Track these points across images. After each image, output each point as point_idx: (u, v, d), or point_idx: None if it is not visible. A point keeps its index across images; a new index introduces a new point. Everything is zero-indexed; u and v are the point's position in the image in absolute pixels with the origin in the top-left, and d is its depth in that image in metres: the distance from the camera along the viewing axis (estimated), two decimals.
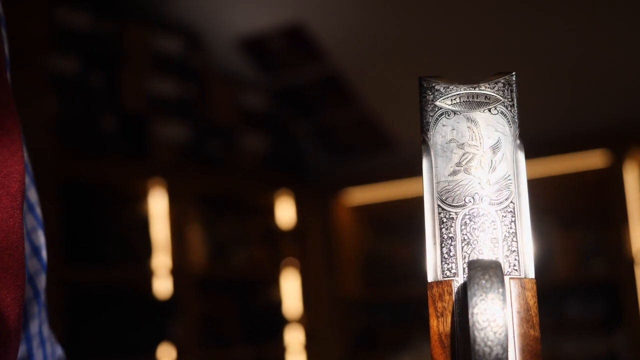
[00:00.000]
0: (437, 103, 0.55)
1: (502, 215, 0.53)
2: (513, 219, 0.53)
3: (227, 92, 3.61)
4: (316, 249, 3.89)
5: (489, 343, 0.45)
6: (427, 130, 0.55)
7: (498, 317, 0.45)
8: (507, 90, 0.55)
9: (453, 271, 0.52)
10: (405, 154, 3.69)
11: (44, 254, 0.72)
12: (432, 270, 0.53)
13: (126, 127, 3.15)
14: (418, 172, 0.55)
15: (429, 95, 0.55)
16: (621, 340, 3.34)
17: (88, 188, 3.07)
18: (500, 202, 0.54)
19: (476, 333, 0.45)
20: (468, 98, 0.55)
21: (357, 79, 3.65)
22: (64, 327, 2.72)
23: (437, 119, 0.55)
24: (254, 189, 3.77)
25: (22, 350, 0.69)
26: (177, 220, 3.23)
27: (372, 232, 4.02)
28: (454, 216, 0.53)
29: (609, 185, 3.30)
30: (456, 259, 0.53)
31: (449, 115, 0.55)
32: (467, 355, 0.50)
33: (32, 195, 0.70)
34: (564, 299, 3.47)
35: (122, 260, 3.12)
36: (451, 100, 0.55)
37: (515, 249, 0.53)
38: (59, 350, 0.78)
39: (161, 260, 3.18)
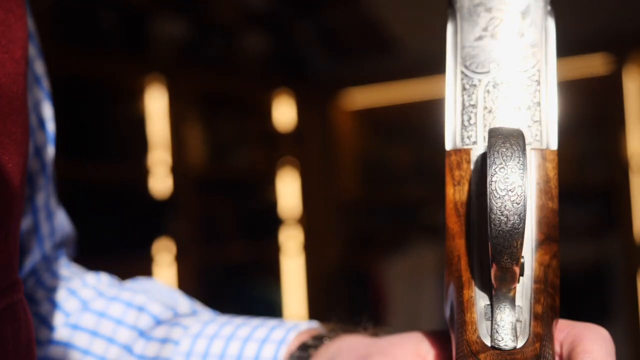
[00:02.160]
0: None
1: (527, 84, 0.51)
2: (538, 88, 0.51)
3: None
4: (315, 151, 3.89)
5: (506, 212, 0.44)
6: None
7: (517, 186, 0.44)
8: None
9: (473, 139, 0.51)
10: (407, 56, 3.64)
11: (50, 126, 0.71)
12: (451, 137, 0.51)
13: (125, 22, 3.11)
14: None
15: None
16: (614, 245, 3.37)
17: (85, 84, 3.04)
18: (526, 70, 0.52)
19: (494, 201, 0.44)
20: None
21: None
22: None
23: None
24: (254, 89, 3.74)
25: (28, 221, 0.68)
26: (176, 118, 3.22)
27: (372, 134, 4.01)
28: (477, 83, 0.51)
29: (608, 90, 3.28)
30: (477, 126, 0.51)
31: None
32: (482, 225, 0.49)
33: (39, 67, 0.69)
34: (560, 204, 3.47)
35: (119, 157, 3.12)
36: None
37: (539, 119, 0.51)
38: (68, 227, 0.77)
39: (159, 158, 3.18)
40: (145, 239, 3.14)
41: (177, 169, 3.19)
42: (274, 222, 3.74)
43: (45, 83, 0.71)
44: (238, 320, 0.68)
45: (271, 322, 0.66)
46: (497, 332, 0.47)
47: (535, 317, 0.48)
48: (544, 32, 0.53)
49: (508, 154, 0.44)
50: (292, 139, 3.81)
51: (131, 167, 3.18)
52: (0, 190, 0.50)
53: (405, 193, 3.78)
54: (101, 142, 3.07)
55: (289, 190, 3.78)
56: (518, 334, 0.47)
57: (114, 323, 0.70)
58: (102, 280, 0.75)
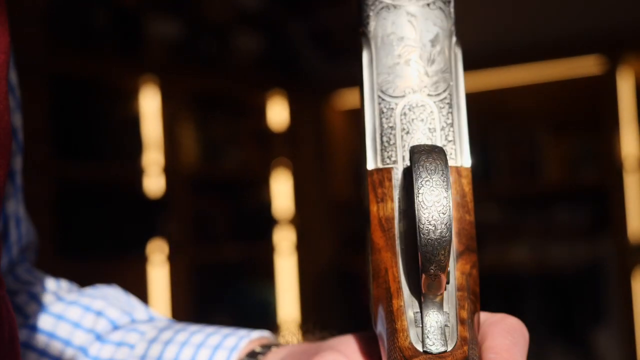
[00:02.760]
0: None
1: (440, 107, 0.54)
2: (450, 110, 0.54)
3: None
4: (308, 151, 3.90)
5: (433, 222, 0.47)
6: (368, 23, 0.55)
7: (442, 197, 0.47)
8: None
9: (393, 159, 0.54)
10: None
11: (20, 135, 0.72)
12: (372, 158, 0.54)
13: (119, 23, 3.12)
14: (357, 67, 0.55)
15: None
16: (608, 245, 3.37)
17: (79, 84, 3.05)
18: (439, 94, 0.55)
19: (422, 212, 0.47)
20: None
21: None
22: (54, 222, 2.74)
23: (378, 12, 0.55)
24: (247, 90, 3.75)
25: None
26: (169, 119, 3.22)
27: None
28: (394, 106, 0.54)
29: (601, 91, 3.28)
30: (396, 147, 0.54)
31: (389, 9, 0.55)
32: (408, 237, 0.52)
33: (13, 76, 0.70)
34: (553, 205, 3.49)
35: (113, 157, 3.13)
36: None
37: (452, 139, 0.54)
38: (32, 233, 0.79)
39: (153, 158, 3.18)
40: (139, 239, 3.15)
41: (170, 169, 3.20)
42: (267, 222, 3.74)
43: (17, 92, 0.72)
44: (193, 327, 0.70)
45: (225, 330, 0.68)
46: (427, 337, 0.49)
47: (462, 321, 0.51)
48: (454, 59, 0.55)
49: (432, 167, 0.47)
50: (285, 139, 3.81)
51: (125, 167, 3.19)
52: None
53: None
54: (95, 141, 3.07)
55: (282, 191, 3.78)
56: (447, 338, 0.49)
57: (71, 326, 0.72)
58: (62, 286, 0.77)
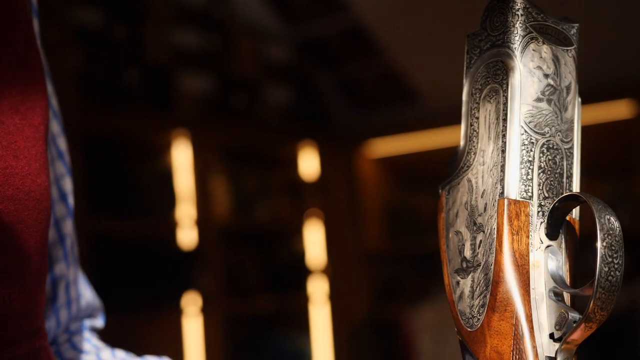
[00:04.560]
0: (530, 25, 0.55)
1: (567, 155, 0.55)
2: (571, 161, 0.55)
3: (250, 44, 3.60)
4: (340, 201, 3.90)
5: (619, 258, 0.49)
6: (516, 48, 0.54)
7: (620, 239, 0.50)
8: (576, 38, 0.56)
9: (529, 194, 0.53)
10: (428, 105, 3.66)
11: (70, 200, 0.74)
12: (514, 187, 0.53)
13: (150, 80, 3.16)
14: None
15: (520, 14, 0.55)
16: None
17: (112, 142, 3.10)
18: (567, 142, 0.55)
19: (608, 241, 0.49)
20: (554, 34, 0.55)
21: (381, 30, 3.60)
22: (90, 277, 2.75)
23: (529, 41, 0.54)
24: (278, 141, 3.77)
25: (46, 290, 0.71)
26: (201, 172, 3.24)
27: (395, 184, 4.01)
28: (534, 141, 0.54)
29: (633, 135, 3.27)
30: (532, 182, 0.53)
31: (538, 42, 0.54)
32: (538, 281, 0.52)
33: (62, 143, 0.73)
34: (584, 251, 3.45)
35: (147, 212, 3.14)
36: (540, 27, 0.55)
37: (570, 190, 0.55)
38: (92, 299, 0.79)
39: (185, 212, 3.20)
40: (174, 292, 3.15)
41: (203, 222, 3.21)
42: (300, 273, 3.74)
43: (67, 159, 0.74)
44: None
45: None
46: None
47: None
48: (577, 113, 0.57)
49: (603, 205, 0.51)
50: (317, 189, 3.82)
51: (158, 221, 3.21)
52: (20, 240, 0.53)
53: (430, 241, 3.76)
54: (129, 197, 3.10)
55: (314, 241, 3.78)
56: None
57: None
58: (116, 355, 0.78)
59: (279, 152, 3.82)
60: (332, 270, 3.79)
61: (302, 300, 3.73)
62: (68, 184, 0.73)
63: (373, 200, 3.99)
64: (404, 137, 3.79)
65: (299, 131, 3.80)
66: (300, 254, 3.76)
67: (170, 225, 3.20)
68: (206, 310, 3.18)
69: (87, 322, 0.79)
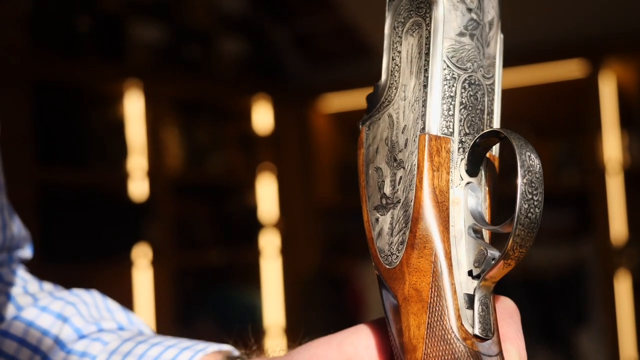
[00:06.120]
0: None
1: (488, 92, 0.54)
2: (492, 97, 0.54)
3: None
4: (293, 155, 3.89)
5: (539, 195, 0.49)
6: None
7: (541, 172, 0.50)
8: None
9: (450, 130, 0.52)
10: (382, 61, 3.62)
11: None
12: (435, 123, 0.52)
13: (102, 28, 3.12)
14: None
15: None
16: (590, 248, 3.39)
17: (63, 89, 3.04)
18: (489, 78, 0.54)
19: (527, 178, 0.49)
20: None
21: None
22: (37, 227, 2.73)
23: None
24: (231, 94, 3.74)
25: None
26: (153, 123, 3.21)
27: (348, 139, 4.01)
28: (456, 77, 0.52)
29: (584, 94, 3.29)
30: (454, 118, 0.52)
31: None
32: (457, 218, 0.52)
33: None
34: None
35: (97, 162, 3.12)
36: None
37: (491, 127, 0.54)
38: (21, 231, 0.80)
39: (137, 163, 3.17)
40: (123, 244, 3.13)
41: (155, 174, 3.19)
42: (252, 226, 3.73)
43: None
44: (155, 339, 0.70)
45: (184, 343, 0.68)
46: (479, 321, 0.50)
47: (494, 309, 0.51)
48: (499, 49, 0.55)
49: (525, 141, 0.50)
50: (270, 143, 3.81)
51: (109, 172, 3.18)
52: None
53: None
54: (79, 146, 3.07)
55: (266, 195, 3.78)
56: (492, 326, 0.50)
57: (41, 333, 0.72)
58: (44, 288, 0.77)
59: (232, 104, 3.79)
60: (284, 225, 3.80)
61: (253, 254, 3.73)
62: None
63: (326, 155, 3.99)
64: (358, 92, 3.77)
65: (252, 84, 3.78)
66: (252, 208, 3.76)
67: (121, 176, 3.17)
68: (156, 263, 3.18)
69: (14, 254, 0.78)
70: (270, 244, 3.76)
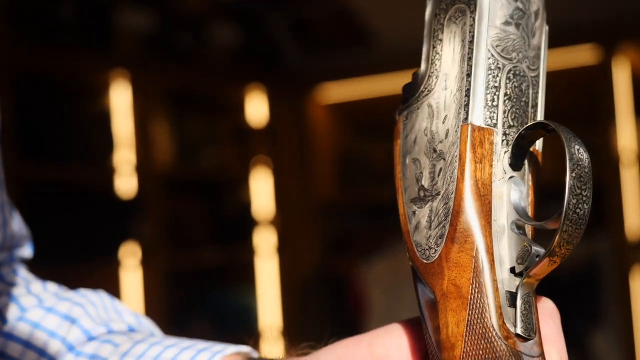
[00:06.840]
0: None
1: (533, 84, 0.54)
2: (537, 90, 0.54)
3: None
4: (289, 149, 3.88)
5: (588, 191, 0.49)
6: None
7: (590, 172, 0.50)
8: None
9: (494, 121, 0.52)
10: (383, 49, 3.64)
11: None
12: (478, 113, 0.52)
13: (87, 15, 3.12)
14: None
15: None
16: (605, 243, 3.36)
17: (46, 80, 3.05)
18: (534, 70, 0.54)
19: (578, 168, 0.49)
20: None
21: None
22: None
23: None
24: (224, 84, 3.74)
25: None
26: (141, 116, 3.21)
27: (348, 131, 4.01)
28: (501, 67, 0.53)
29: (596, 82, 3.30)
30: (498, 109, 0.52)
31: None
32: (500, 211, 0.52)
33: None
34: (547, 200, 3.43)
35: (82, 157, 3.13)
36: None
37: (535, 120, 0.54)
38: (21, 229, 0.79)
39: (124, 158, 3.17)
40: (111, 242, 3.14)
41: (143, 169, 3.18)
42: (246, 223, 3.73)
43: None
44: (169, 341, 0.70)
45: (200, 345, 0.69)
46: (522, 320, 0.50)
47: (536, 309, 0.51)
48: (545, 40, 0.55)
49: (573, 135, 0.50)
50: (265, 136, 3.80)
51: (95, 167, 3.19)
52: None
53: (384, 192, 3.72)
54: (63, 140, 3.06)
55: (262, 191, 3.76)
56: (534, 326, 0.50)
57: (47, 335, 0.73)
58: (48, 288, 0.77)
59: (226, 96, 3.77)
60: (280, 222, 3.78)
61: (248, 253, 3.72)
62: None
63: (324, 149, 3.98)
64: (358, 81, 3.77)
65: (247, 74, 3.77)
66: (246, 204, 3.75)
67: (108, 172, 3.17)
68: (146, 263, 3.16)
69: (15, 253, 0.79)
70: (265, 242, 3.74)
